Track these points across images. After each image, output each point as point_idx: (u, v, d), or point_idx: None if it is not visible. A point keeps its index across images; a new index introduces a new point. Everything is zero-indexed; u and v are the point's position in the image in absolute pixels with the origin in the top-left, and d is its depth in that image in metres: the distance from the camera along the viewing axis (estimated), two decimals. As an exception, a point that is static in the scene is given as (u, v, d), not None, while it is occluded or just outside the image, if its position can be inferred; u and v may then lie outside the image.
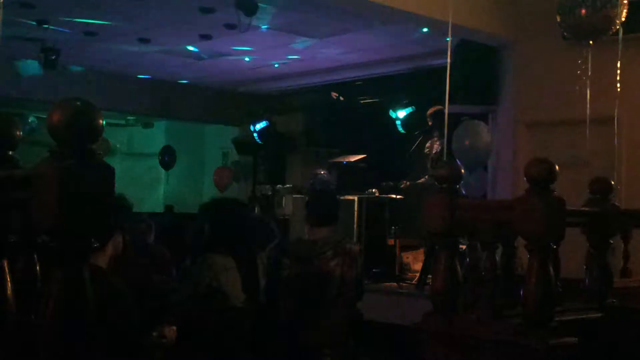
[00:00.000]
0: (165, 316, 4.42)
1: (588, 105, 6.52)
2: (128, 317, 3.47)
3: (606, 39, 6.43)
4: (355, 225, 9.34)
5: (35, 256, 2.58)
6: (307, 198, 6.40)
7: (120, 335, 3.28)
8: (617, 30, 6.26)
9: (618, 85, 6.77)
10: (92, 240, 1.89)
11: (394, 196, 9.48)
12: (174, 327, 4.39)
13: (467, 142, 8.99)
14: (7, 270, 2.23)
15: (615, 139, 7.14)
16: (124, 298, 3.47)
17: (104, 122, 1.94)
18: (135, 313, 3.55)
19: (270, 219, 8.09)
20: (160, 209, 15.50)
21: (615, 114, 6.90)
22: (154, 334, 4.25)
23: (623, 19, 6.15)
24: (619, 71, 6.75)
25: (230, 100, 14.20)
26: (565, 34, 6.39)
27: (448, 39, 6.80)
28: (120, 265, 4.33)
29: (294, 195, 10.97)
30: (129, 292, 3.53)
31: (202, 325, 4.64)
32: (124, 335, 3.37)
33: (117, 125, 16.20)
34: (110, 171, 1.88)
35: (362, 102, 12.65)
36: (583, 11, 5.95)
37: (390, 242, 9.41)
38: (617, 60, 6.73)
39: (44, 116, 12.68)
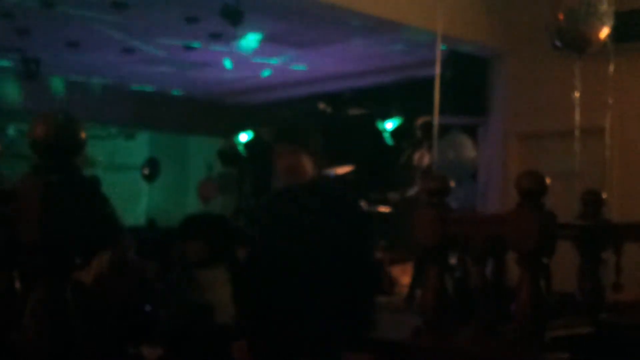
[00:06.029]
0: (147, 334, 4.34)
1: (579, 116, 6.47)
2: (110, 335, 3.41)
3: (596, 49, 6.40)
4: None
5: (15, 272, 2.53)
6: None
7: (101, 352, 3.22)
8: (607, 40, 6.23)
9: (609, 95, 6.75)
10: (75, 257, 1.87)
11: (382, 209, 9.41)
12: (156, 346, 4.31)
13: (450, 155, 8.93)
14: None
15: (607, 150, 7.10)
16: (106, 316, 3.41)
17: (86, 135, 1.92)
18: (117, 331, 3.49)
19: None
20: (142, 222, 15.30)
21: (607, 124, 6.88)
22: (131, 351, 4.16)
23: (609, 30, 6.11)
24: (610, 81, 6.73)
25: (216, 111, 14.07)
26: (557, 44, 6.32)
27: (437, 50, 6.76)
28: (104, 282, 4.25)
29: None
30: (111, 309, 3.47)
31: (188, 343, 4.55)
32: (105, 353, 3.31)
33: (98, 137, 15.98)
34: (95, 185, 1.87)
35: (350, 113, 12.57)
36: (587, 21, 5.90)
37: (379, 255, 9.32)
38: (607, 70, 6.71)
39: (24, 128, 12.56)
